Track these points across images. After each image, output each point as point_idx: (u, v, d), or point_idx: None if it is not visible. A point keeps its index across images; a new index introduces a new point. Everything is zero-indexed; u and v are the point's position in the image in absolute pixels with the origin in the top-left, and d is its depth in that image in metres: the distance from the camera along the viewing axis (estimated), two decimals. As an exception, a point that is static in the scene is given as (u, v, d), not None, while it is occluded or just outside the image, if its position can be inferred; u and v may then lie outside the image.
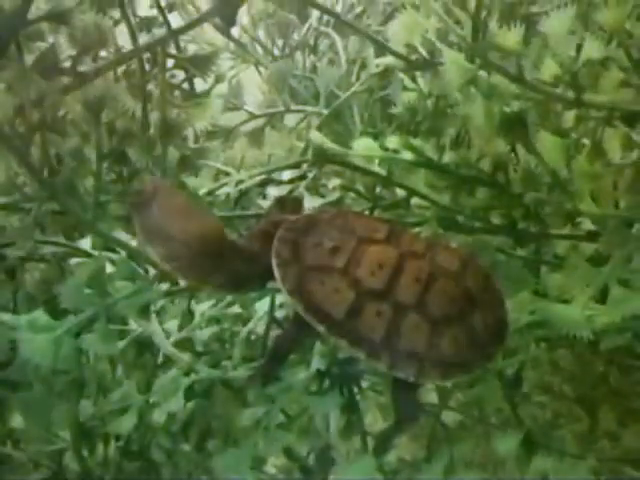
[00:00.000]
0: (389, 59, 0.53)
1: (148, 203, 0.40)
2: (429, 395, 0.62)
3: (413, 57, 0.50)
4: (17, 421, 0.52)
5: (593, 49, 0.42)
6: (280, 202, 0.49)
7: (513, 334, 0.51)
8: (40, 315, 0.46)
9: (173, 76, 0.64)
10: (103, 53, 0.52)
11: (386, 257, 0.42)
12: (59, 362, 0.45)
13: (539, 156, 0.46)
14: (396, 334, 0.41)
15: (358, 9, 0.85)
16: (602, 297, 0.47)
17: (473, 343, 0.42)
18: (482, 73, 0.45)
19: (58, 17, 0.40)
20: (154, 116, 0.48)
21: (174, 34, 0.47)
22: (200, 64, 0.44)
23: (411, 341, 0.41)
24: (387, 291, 0.41)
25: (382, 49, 0.50)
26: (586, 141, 0.48)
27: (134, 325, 0.51)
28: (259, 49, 0.80)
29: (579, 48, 0.44)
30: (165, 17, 0.53)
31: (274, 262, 0.42)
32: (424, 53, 0.49)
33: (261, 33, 0.82)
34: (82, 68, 0.44)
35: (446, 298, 0.42)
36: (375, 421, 0.62)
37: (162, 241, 0.41)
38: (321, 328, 0.41)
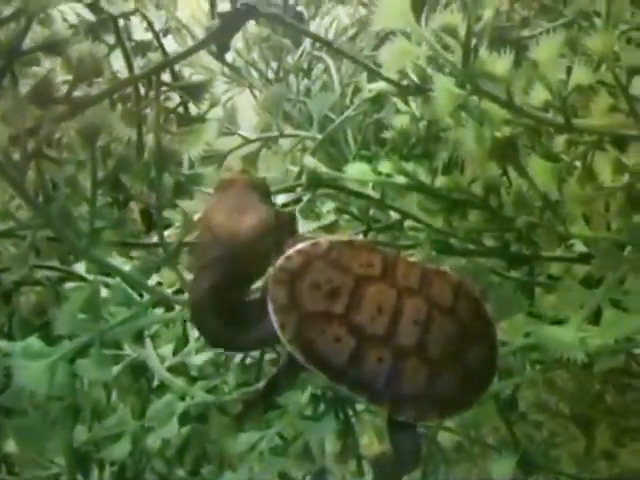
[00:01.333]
0: (381, 84, 0.54)
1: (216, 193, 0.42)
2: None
3: (405, 82, 0.50)
4: (12, 447, 0.52)
5: (582, 75, 0.43)
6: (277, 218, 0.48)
7: (508, 356, 0.51)
8: (34, 341, 0.46)
9: (168, 98, 0.65)
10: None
11: (385, 299, 0.42)
12: (54, 388, 0.45)
13: (530, 180, 0.47)
14: (397, 379, 0.41)
15: (351, 31, 0.86)
16: (596, 318, 0.47)
17: (469, 378, 0.42)
18: (473, 98, 0.45)
19: (53, 48, 0.40)
20: (149, 141, 0.48)
21: (169, 63, 0.47)
22: (194, 92, 0.44)
23: (411, 385, 0.41)
24: (388, 336, 0.41)
25: (374, 75, 0.51)
26: (578, 164, 0.48)
27: (129, 350, 0.51)
28: (254, 73, 0.81)
29: (569, 71, 0.44)
30: (161, 44, 0.53)
31: (271, 307, 0.41)
32: (415, 79, 0.50)
33: (255, 56, 0.83)
34: (77, 94, 0.44)
35: (443, 338, 0.42)
36: (371, 444, 0.62)
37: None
38: (322, 376, 0.41)
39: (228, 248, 0.40)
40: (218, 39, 0.42)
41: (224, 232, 0.40)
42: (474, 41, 0.42)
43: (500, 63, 0.43)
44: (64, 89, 0.44)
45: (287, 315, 0.41)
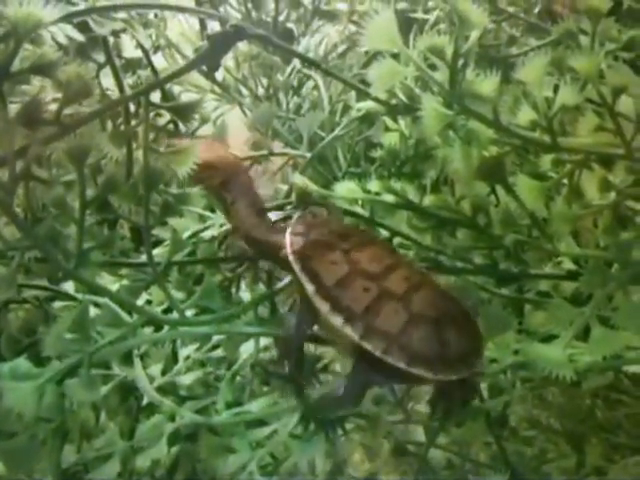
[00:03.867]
0: (370, 103, 0.54)
1: None
2: (416, 434, 0.62)
3: (393, 102, 0.51)
4: (0, 468, 0.52)
5: (568, 95, 0.43)
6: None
7: (497, 374, 0.51)
8: (22, 362, 0.46)
9: (159, 115, 0.65)
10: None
11: (385, 256, 0.47)
12: (42, 410, 0.45)
13: (518, 198, 0.47)
14: (375, 311, 0.44)
15: (341, 49, 0.87)
16: (584, 335, 0.47)
17: (442, 351, 0.44)
18: (460, 118, 0.46)
19: (41, 70, 0.40)
20: (137, 160, 0.48)
21: (160, 84, 0.47)
22: (183, 113, 0.45)
23: (387, 322, 0.44)
24: (378, 277, 0.45)
25: (363, 95, 0.51)
26: (565, 182, 0.49)
27: (117, 370, 0.51)
28: (244, 90, 0.81)
29: (556, 90, 0.45)
30: (151, 63, 0.54)
31: (289, 247, 0.46)
32: (404, 98, 0.50)
33: (245, 74, 0.83)
34: (66, 113, 0.44)
35: (429, 302, 0.45)
36: (362, 462, 0.62)
37: None
38: (310, 288, 0.44)
39: None
40: (208, 60, 0.42)
41: None
42: (461, 62, 0.43)
43: (487, 83, 0.43)
44: (53, 108, 0.44)
45: (298, 240, 0.47)
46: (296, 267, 0.45)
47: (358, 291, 0.44)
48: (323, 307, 0.44)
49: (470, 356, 0.45)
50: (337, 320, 0.44)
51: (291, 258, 0.46)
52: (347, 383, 0.46)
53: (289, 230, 0.48)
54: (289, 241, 0.47)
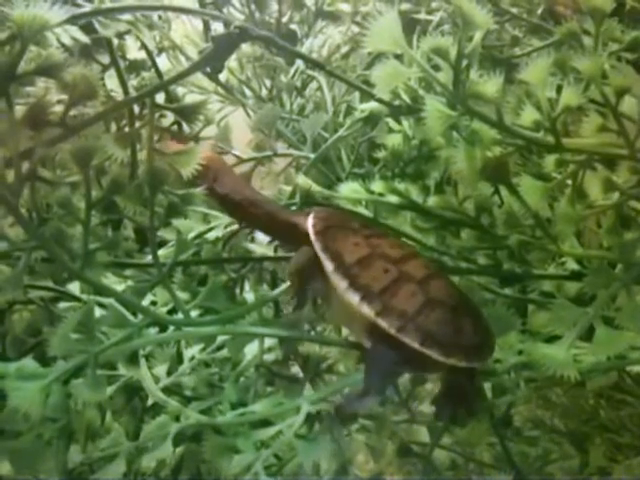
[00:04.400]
0: (373, 104, 0.54)
1: None
2: (420, 434, 0.62)
3: (397, 103, 0.51)
4: (6, 468, 0.52)
5: (571, 95, 0.43)
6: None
7: (502, 375, 0.51)
8: (29, 362, 0.46)
9: (163, 116, 0.65)
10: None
11: (404, 248, 0.49)
12: (48, 410, 0.45)
13: (522, 199, 0.47)
14: (393, 291, 0.44)
15: (344, 49, 0.87)
16: (588, 335, 0.47)
17: (457, 336, 0.44)
18: (464, 118, 0.46)
19: (47, 72, 0.40)
20: (142, 159, 0.49)
21: (164, 85, 0.48)
22: (188, 114, 0.45)
23: (404, 302, 0.44)
24: (398, 261, 0.46)
25: (366, 96, 0.51)
26: (568, 182, 0.49)
27: (123, 370, 0.51)
28: (247, 91, 0.81)
29: (559, 90, 0.45)
30: (156, 65, 0.54)
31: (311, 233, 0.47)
32: (407, 99, 0.50)
33: (249, 75, 0.83)
34: (72, 114, 0.44)
35: (446, 291, 0.46)
36: (366, 462, 0.62)
37: None
38: (329, 265, 0.45)
39: None
40: (212, 62, 0.43)
41: None
42: (465, 62, 0.43)
43: (490, 84, 0.43)
44: (58, 109, 0.44)
45: (320, 222, 0.48)
46: (317, 246, 0.46)
47: (378, 271, 0.45)
48: (341, 284, 0.45)
49: (483, 348, 0.45)
50: (354, 298, 0.44)
51: (313, 238, 0.46)
52: (365, 375, 0.46)
53: (312, 214, 0.49)
54: (311, 222, 0.48)
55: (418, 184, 0.54)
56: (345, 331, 0.55)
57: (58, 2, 0.40)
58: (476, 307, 0.47)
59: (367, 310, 0.44)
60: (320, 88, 0.71)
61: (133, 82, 0.64)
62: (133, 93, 0.55)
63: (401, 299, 0.44)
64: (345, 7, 0.87)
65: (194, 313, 0.50)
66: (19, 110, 0.42)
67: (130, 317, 0.48)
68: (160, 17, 0.77)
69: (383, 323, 0.43)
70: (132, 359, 0.51)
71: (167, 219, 0.48)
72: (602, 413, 0.70)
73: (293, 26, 0.87)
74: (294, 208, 0.55)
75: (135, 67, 0.68)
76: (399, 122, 0.58)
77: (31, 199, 0.42)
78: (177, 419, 0.48)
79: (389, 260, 0.46)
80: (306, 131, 0.60)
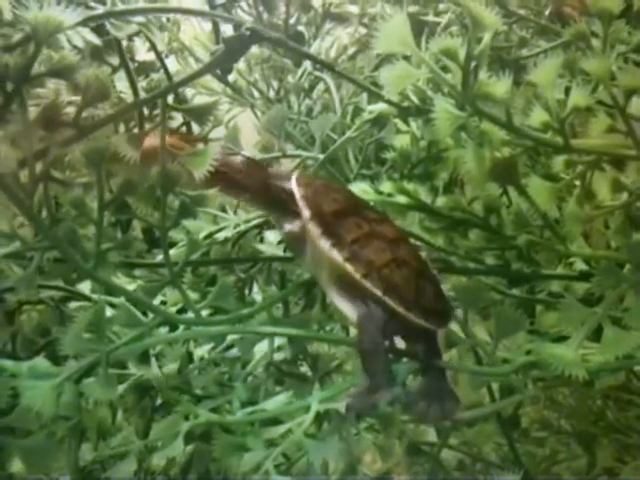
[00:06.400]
0: (381, 105, 0.55)
1: None
2: (428, 434, 0.63)
3: (405, 104, 0.51)
4: (17, 466, 0.52)
5: (579, 97, 0.44)
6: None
7: (509, 375, 0.51)
8: (41, 361, 0.46)
9: (172, 117, 0.65)
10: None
11: (381, 214, 0.50)
12: (60, 408, 0.45)
13: (530, 199, 0.47)
14: (364, 243, 0.46)
15: (351, 51, 0.87)
16: (596, 336, 0.47)
17: (418, 296, 0.46)
18: (473, 119, 0.46)
19: (60, 73, 0.41)
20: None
21: (175, 87, 0.48)
22: (199, 115, 0.45)
23: (373, 254, 0.46)
24: (374, 221, 0.48)
25: (375, 96, 0.52)
26: (577, 182, 0.49)
27: (134, 369, 0.51)
28: (255, 93, 0.82)
29: (567, 92, 0.45)
30: (165, 67, 0.54)
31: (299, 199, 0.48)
32: (416, 100, 0.50)
33: (257, 76, 0.83)
34: (84, 115, 0.45)
35: (414, 256, 0.48)
36: (374, 461, 0.62)
37: None
38: (307, 213, 0.47)
39: None
40: (223, 64, 0.43)
41: None
42: (473, 64, 0.43)
43: (499, 85, 0.43)
44: (70, 110, 0.44)
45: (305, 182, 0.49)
46: (298, 194, 0.47)
47: (352, 225, 0.47)
48: (315, 231, 0.46)
49: (442, 314, 0.47)
50: (325, 244, 0.46)
51: (294, 185, 0.48)
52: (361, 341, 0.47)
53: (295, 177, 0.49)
54: (295, 175, 0.49)
55: (427, 185, 0.54)
56: (353, 331, 0.55)
57: (71, 4, 0.41)
58: (439, 282, 0.49)
59: (337, 256, 0.46)
60: (328, 89, 0.71)
61: (142, 84, 0.65)
62: (142, 95, 0.56)
63: (370, 251, 0.46)
64: (352, 9, 0.87)
65: (204, 313, 0.51)
66: (31, 111, 0.43)
67: (141, 316, 0.49)
68: (169, 19, 0.78)
69: (350, 268, 0.45)
70: (143, 358, 0.51)
71: (179, 219, 0.48)
72: (609, 414, 0.70)
73: (300, 28, 0.87)
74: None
75: (144, 69, 0.69)
76: (407, 123, 0.59)
77: (45, 200, 0.42)
78: (187, 418, 0.48)
79: (364, 219, 0.48)
80: (315, 132, 0.61)
